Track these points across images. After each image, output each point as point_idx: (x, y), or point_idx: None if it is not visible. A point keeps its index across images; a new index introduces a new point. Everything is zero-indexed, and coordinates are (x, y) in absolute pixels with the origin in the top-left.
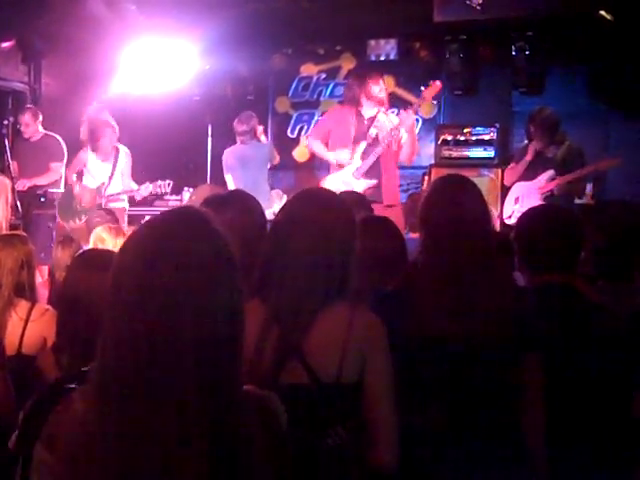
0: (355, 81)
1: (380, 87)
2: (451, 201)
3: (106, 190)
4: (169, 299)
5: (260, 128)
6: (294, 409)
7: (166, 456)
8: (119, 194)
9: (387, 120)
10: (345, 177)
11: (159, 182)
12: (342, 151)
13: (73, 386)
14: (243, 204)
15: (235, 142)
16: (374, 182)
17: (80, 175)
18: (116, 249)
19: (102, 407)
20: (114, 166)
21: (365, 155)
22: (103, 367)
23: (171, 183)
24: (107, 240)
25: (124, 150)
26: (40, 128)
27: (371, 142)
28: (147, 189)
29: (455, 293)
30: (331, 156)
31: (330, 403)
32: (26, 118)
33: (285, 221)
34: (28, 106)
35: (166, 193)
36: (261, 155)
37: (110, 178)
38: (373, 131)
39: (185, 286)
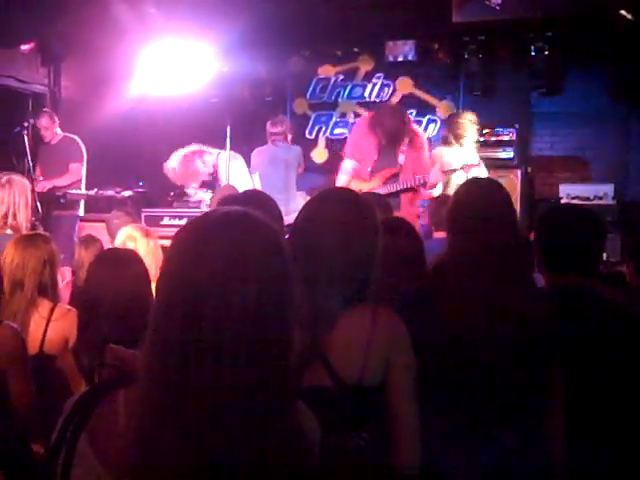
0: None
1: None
2: (480, 202)
3: None
4: (220, 297)
5: (289, 137)
6: (317, 412)
7: (211, 462)
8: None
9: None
10: (359, 188)
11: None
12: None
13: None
14: (259, 203)
15: (262, 144)
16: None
17: None
18: (146, 249)
19: (144, 407)
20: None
21: (389, 181)
22: (148, 368)
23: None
24: (138, 239)
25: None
26: (58, 130)
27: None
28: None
29: (483, 295)
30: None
31: (353, 405)
32: (43, 122)
33: (307, 222)
34: (45, 110)
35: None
36: (291, 158)
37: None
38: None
39: (235, 281)
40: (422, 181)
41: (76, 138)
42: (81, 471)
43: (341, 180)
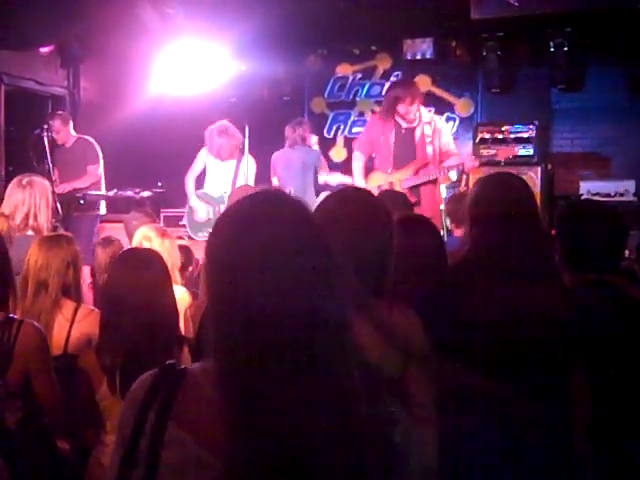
0: (390, 96)
1: (407, 109)
2: (501, 198)
3: None
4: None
5: (314, 138)
6: None
7: (294, 441)
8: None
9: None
10: (389, 180)
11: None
12: (381, 176)
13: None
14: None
15: (281, 143)
16: (413, 200)
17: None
18: (161, 249)
19: (225, 389)
20: (236, 172)
21: (417, 172)
22: (218, 348)
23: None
24: (153, 239)
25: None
26: (72, 132)
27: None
28: None
29: (505, 292)
30: (357, 182)
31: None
32: (56, 124)
33: (321, 220)
34: (58, 112)
35: None
36: (309, 160)
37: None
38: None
39: (272, 262)
40: (447, 171)
41: (90, 139)
42: (175, 454)
43: (357, 172)
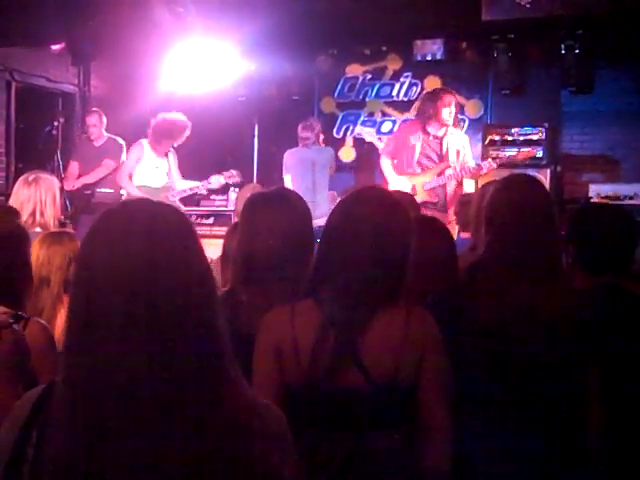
0: (428, 100)
1: (450, 110)
2: (517, 202)
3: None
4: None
5: (321, 138)
6: (350, 411)
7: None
8: (187, 190)
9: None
10: (412, 183)
11: (226, 173)
12: (403, 180)
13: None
14: (286, 201)
15: (289, 143)
16: (433, 200)
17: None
18: None
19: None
20: (168, 164)
21: (440, 174)
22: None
23: (239, 173)
24: None
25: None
26: (104, 132)
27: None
28: (218, 181)
29: (519, 296)
30: (394, 182)
31: (386, 406)
32: (92, 120)
33: (339, 221)
34: (94, 109)
35: (237, 183)
36: (322, 159)
37: (168, 175)
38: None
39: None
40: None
41: (120, 141)
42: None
43: (390, 172)
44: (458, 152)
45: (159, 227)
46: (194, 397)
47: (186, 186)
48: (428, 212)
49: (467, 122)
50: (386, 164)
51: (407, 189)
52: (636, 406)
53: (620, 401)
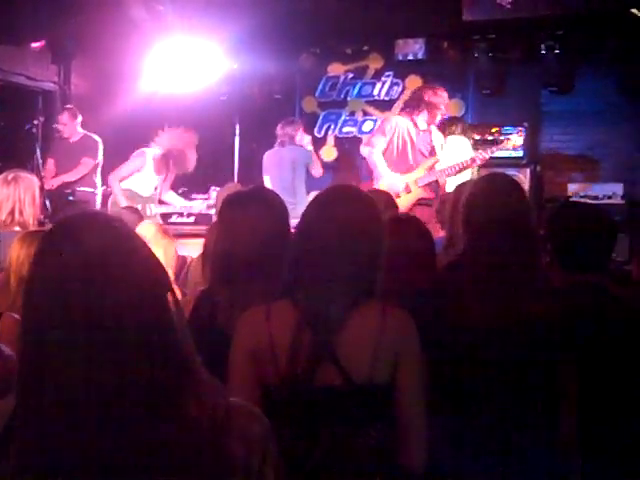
0: (424, 93)
1: (443, 110)
2: (496, 200)
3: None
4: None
5: (307, 138)
6: (327, 411)
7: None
8: (171, 207)
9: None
10: (406, 180)
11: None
12: (396, 177)
13: None
14: (264, 200)
15: (271, 142)
16: (429, 196)
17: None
18: (158, 247)
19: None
20: (164, 179)
21: (431, 169)
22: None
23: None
24: (154, 234)
25: None
26: (79, 129)
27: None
28: (199, 207)
29: (497, 294)
30: (387, 177)
31: (363, 404)
32: (64, 118)
33: (311, 220)
34: (67, 106)
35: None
36: (299, 158)
37: (160, 187)
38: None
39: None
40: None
41: (96, 137)
42: None
43: (383, 165)
44: (442, 147)
45: (92, 254)
46: (159, 406)
47: (170, 201)
48: (425, 209)
49: None
50: (378, 159)
51: (401, 186)
52: (609, 403)
53: (593, 399)
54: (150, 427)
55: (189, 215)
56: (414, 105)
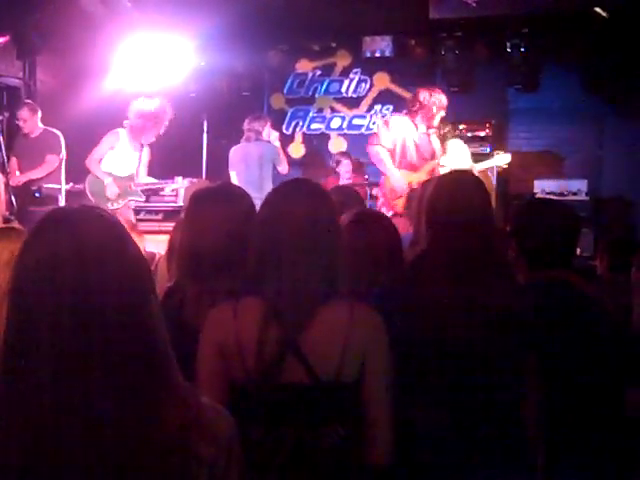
0: (428, 97)
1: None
2: (457, 196)
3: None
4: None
5: (275, 134)
6: (293, 408)
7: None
8: (150, 184)
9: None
10: (409, 179)
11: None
12: (403, 175)
13: None
14: (230, 196)
15: (239, 139)
16: None
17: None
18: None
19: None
20: (140, 158)
21: (431, 172)
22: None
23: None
24: None
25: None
26: (40, 124)
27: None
28: (183, 184)
29: (458, 289)
30: (395, 175)
31: (329, 402)
32: (24, 113)
33: (270, 215)
34: (26, 101)
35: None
36: (265, 154)
37: (137, 168)
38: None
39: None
40: None
41: (57, 132)
42: None
43: (390, 163)
44: (442, 151)
45: (88, 245)
46: (134, 406)
47: (150, 181)
48: None
49: None
50: (385, 156)
51: (405, 184)
52: (574, 394)
53: (557, 392)
54: (120, 424)
55: (157, 212)
56: (411, 106)
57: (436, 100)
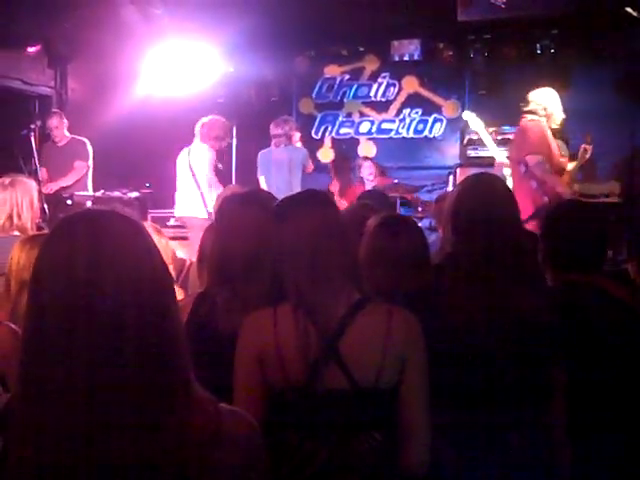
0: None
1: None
2: (482, 199)
3: None
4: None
5: (297, 135)
6: (332, 414)
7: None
8: None
9: None
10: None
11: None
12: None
13: None
14: (259, 202)
15: (269, 144)
16: None
17: None
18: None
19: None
20: None
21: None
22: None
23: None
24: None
25: None
26: (66, 132)
27: None
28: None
29: (487, 293)
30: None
31: (368, 408)
32: (54, 122)
33: (285, 224)
34: (54, 110)
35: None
36: (295, 159)
37: None
38: None
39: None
40: None
41: (84, 140)
42: None
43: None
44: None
45: (104, 245)
46: (150, 410)
47: None
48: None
49: (445, 122)
50: (545, 167)
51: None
52: (601, 401)
53: (587, 398)
54: (139, 432)
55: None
56: (544, 115)
57: None
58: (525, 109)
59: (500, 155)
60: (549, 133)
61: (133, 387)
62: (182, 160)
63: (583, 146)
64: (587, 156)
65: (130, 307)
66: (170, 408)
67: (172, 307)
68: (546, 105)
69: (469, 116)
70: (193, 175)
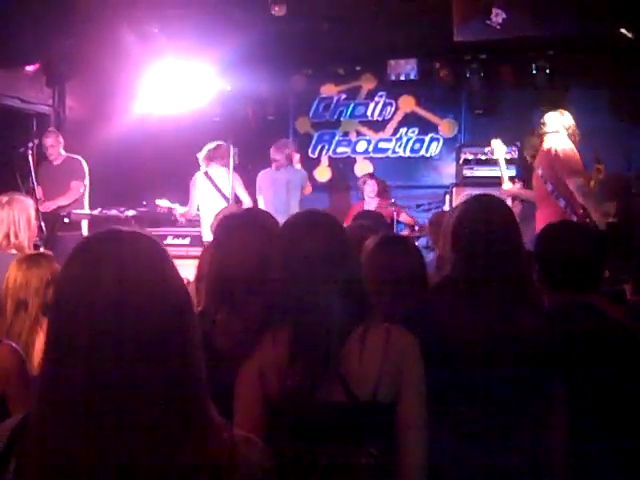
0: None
1: None
2: (483, 220)
3: None
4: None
5: (297, 156)
6: (330, 427)
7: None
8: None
9: None
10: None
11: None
12: None
13: None
14: (257, 221)
15: (265, 162)
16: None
17: None
18: None
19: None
20: None
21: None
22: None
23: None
24: None
25: None
26: (62, 151)
27: None
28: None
29: (486, 312)
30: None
31: (365, 422)
32: (50, 141)
33: (287, 247)
34: (50, 129)
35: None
36: (294, 180)
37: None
38: None
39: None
40: None
41: (79, 158)
42: None
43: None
44: None
45: (129, 267)
46: (166, 437)
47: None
48: None
49: (441, 141)
50: (585, 190)
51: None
52: (599, 420)
53: (584, 416)
54: (156, 458)
55: (184, 237)
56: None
57: None
58: (547, 130)
59: (508, 183)
60: (575, 150)
61: (153, 414)
62: (203, 184)
63: (596, 166)
64: (601, 176)
65: (149, 329)
66: (187, 435)
67: (192, 330)
68: (566, 123)
69: (497, 144)
70: (224, 197)
